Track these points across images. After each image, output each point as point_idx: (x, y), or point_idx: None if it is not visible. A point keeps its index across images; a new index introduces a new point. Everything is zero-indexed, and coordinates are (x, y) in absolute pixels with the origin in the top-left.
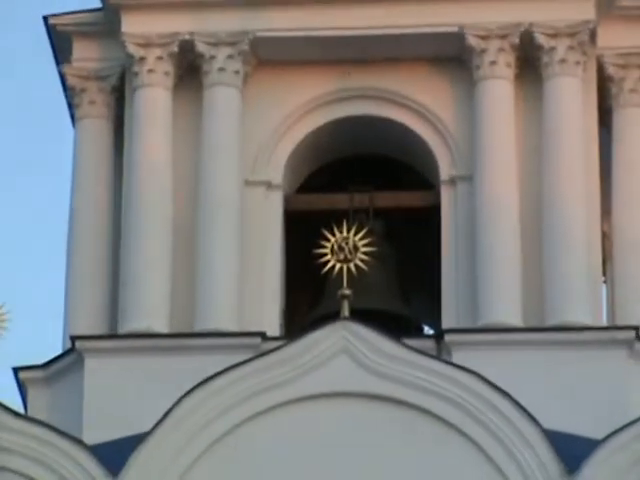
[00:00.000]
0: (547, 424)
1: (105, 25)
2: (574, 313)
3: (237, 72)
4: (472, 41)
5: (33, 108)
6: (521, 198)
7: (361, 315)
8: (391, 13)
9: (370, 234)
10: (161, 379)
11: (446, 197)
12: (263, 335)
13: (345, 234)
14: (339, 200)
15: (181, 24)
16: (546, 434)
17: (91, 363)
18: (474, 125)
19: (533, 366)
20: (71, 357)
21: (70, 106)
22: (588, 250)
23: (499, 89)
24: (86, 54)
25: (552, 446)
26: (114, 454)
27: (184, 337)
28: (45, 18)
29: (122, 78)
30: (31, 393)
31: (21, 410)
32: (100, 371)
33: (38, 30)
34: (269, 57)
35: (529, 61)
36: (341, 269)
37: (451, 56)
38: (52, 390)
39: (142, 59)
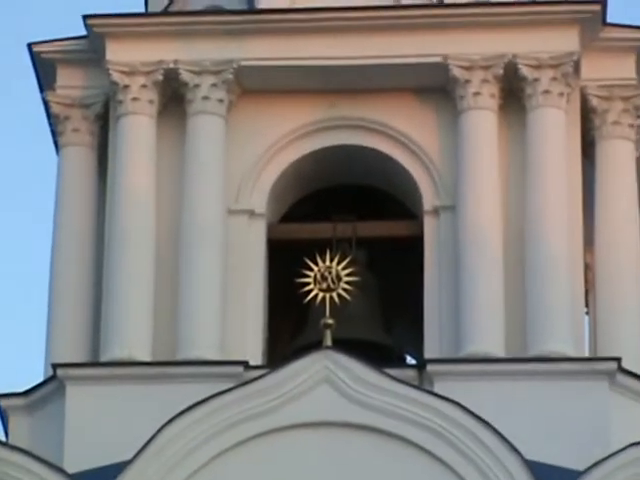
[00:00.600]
0: (529, 455)
1: (89, 53)
2: (556, 344)
3: (221, 101)
4: (456, 72)
5: (17, 134)
6: (504, 229)
7: (343, 344)
8: (375, 43)
9: (353, 263)
10: (143, 407)
11: (429, 227)
12: (245, 364)
13: (328, 263)
14: (322, 229)
15: (165, 52)
16: (527, 465)
17: (72, 391)
18: (457, 155)
19: (515, 396)
20: (53, 385)
21: (54, 133)
22: (571, 281)
23: (483, 120)
24: (70, 82)
25: (533, 477)
26: None
27: (166, 365)
28: (29, 45)
29: (106, 106)
30: (12, 421)
31: (2, 438)
32: (81, 399)
33: (23, 57)
34: (253, 86)
35: (513, 92)
36: (324, 298)
37: (435, 87)
38: (33, 418)
39: (126, 87)
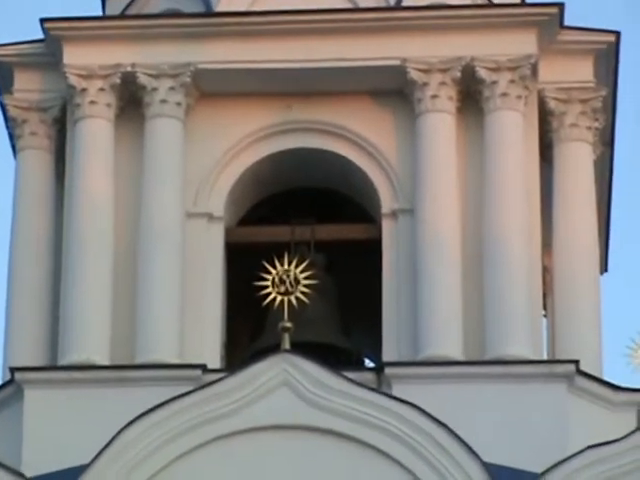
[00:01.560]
0: (487, 457)
1: (47, 56)
2: (514, 346)
3: (179, 104)
4: (414, 75)
5: None
6: (462, 231)
7: (302, 348)
8: (333, 46)
9: (311, 267)
10: (101, 411)
11: (387, 230)
12: (204, 367)
13: (286, 267)
14: (280, 232)
15: (123, 56)
16: (485, 467)
17: (31, 394)
18: (416, 158)
19: (473, 399)
20: (10, 388)
21: (11, 137)
22: (529, 284)
23: (441, 122)
24: (28, 85)
25: (492, 479)
26: None
27: (124, 369)
28: None
29: (64, 109)
30: None
31: None
32: (40, 403)
33: None
34: (211, 89)
35: (471, 95)
36: (282, 301)
37: (393, 89)
38: None
39: (84, 90)
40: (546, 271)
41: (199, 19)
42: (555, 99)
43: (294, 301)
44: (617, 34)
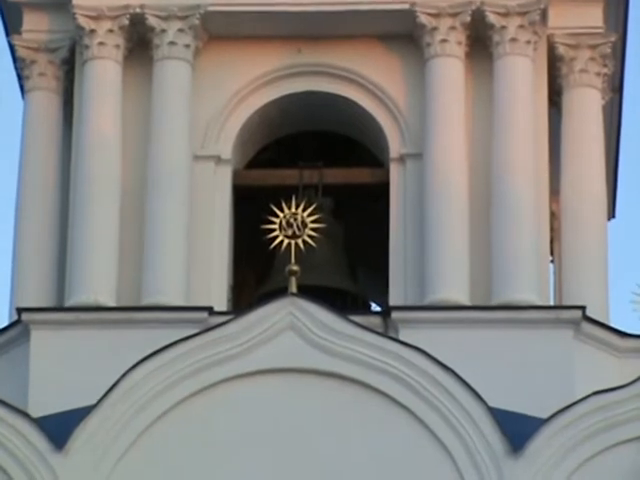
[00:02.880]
0: (492, 402)
1: None
2: (521, 292)
3: (188, 46)
4: (423, 19)
5: None
6: (470, 177)
7: (308, 291)
8: None
9: (319, 210)
10: (108, 352)
11: (395, 175)
12: (210, 310)
13: (294, 210)
14: (288, 176)
15: None
16: (491, 412)
17: (37, 335)
18: (424, 103)
19: (479, 344)
20: (17, 329)
21: (20, 78)
22: (536, 229)
23: (450, 67)
24: (36, 26)
25: (497, 424)
26: (60, 427)
27: (131, 311)
28: None
29: (72, 50)
30: None
31: None
32: (46, 343)
33: None
34: (220, 32)
35: (480, 40)
36: (289, 245)
37: (402, 34)
38: None
39: (92, 32)
40: (554, 217)
41: None
42: (564, 45)
43: (301, 245)
44: None
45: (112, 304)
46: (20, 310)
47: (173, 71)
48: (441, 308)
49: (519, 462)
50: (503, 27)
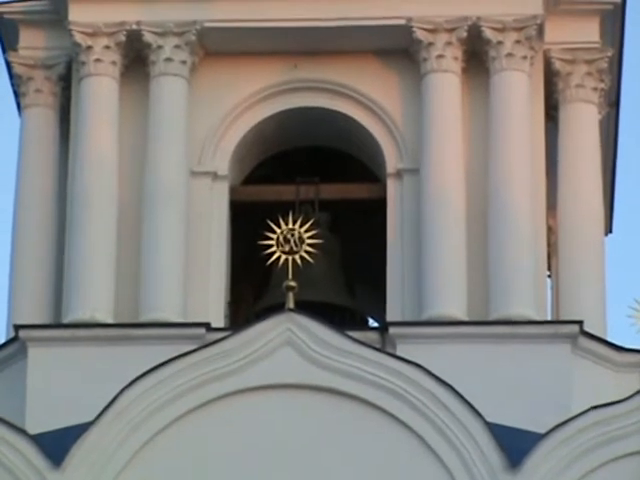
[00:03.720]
0: (490, 417)
1: (52, 14)
2: (518, 307)
3: (184, 62)
4: (420, 34)
5: None
6: (467, 192)
7: (306, 307)
8: (339, 5)
9: (316, 226)
10: (105, 369)
11: (392, 190)
12: (208, 326)
13: (291, 225)
14: (285, 191)
15: (128, 13)
16: (489, 427)
17: (35, 352)
18: (421, 118)
19: (477, 359)
20: (15, 346)
21: (16, 94)
22: (533, 244)
23: (446, 82)
24: (33, 42)
25: (495, 439)
26: (57, 443)
27: (128, 327)
28: None
29: (69, 67)
30: None
31: None
32: (43, 360)
33: None
34: (216, 48)
35: (476, 55)
36: (286, 261)
37: (399, 49)
38: None
39: (89, 48)
40: (551, 232)
41: None
42: (561, 60)
43: (298, 260)
44: None
45: (109, 321)
46: (17, 327)
47: (170, 87)
48: (439, 323)
49: (517, 477)
50: (499, 42)
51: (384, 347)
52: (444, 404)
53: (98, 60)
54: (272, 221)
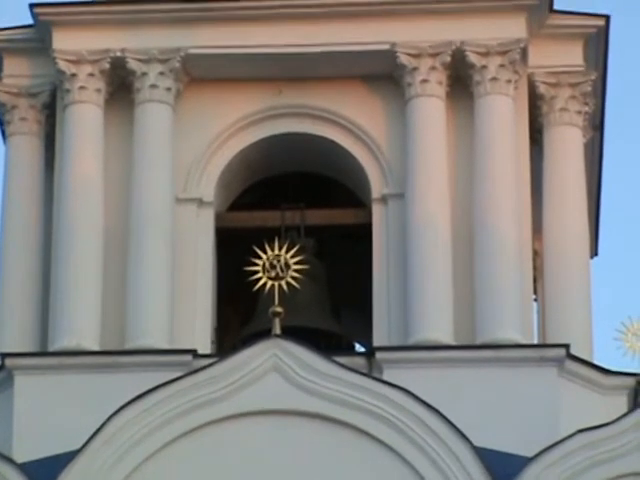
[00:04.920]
0: (478, 441)
1: (36, 41)
2: (505, 331)
3: (169, 89)
4: (404, 59)
5: None
6: (453, 216)
7: (293, 333)
8: (323, 30)
9: (302, 251)
10: (92, 397)
11: (378, 215)
12: (194, 353)
13: (277, 251)
14: (271, 217)
15: (112, 41)
16: (476, 451)
17: (21, 380)
18: (406, 143)
19: (464, 384)
20: (1, 374)
21: (1, 122)
22: (519, 268)
23: (431, 107)
24: (17, 71)
25: (482, 463)
26: (45, 472)
27: (115, 355)
28: None
29: (54, 95)
30: None
31: None
32: (30, 389)
33: None
34: (201, 74)
35: (461, 79)
36: (272, 286)
37: (383, 74)
38: None
39: (73, 76)
40: (536, 255)
41: (189, 4)
42: (545, 83)
43: (285, 286)
44: (607, 18)
45: (96, 348)
46: (3, 355)
47: (154, 114)
48: (425, 348)
49: None
50: (483, 66)
51: (371, 372)
52: (431, 428)
53: (82, 87)
54: (258, 247)
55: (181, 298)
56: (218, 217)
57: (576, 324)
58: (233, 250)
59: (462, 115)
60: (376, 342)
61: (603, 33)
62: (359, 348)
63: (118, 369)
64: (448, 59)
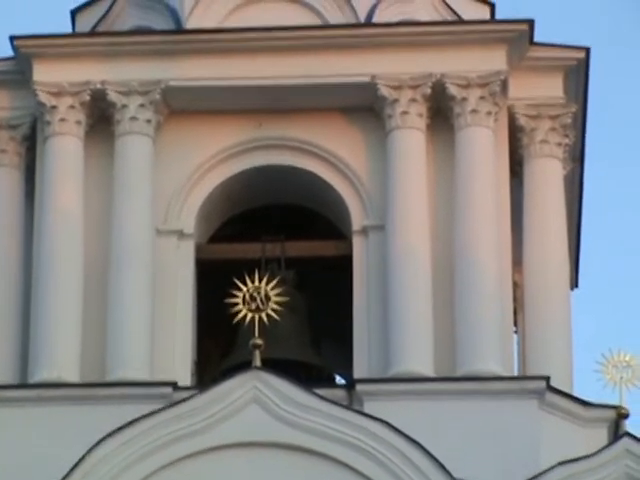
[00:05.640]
0: (458, 474)
1: (16, 74)
2: (485, 363)
3: (149, 121)
4: (384, 91)
5: None
6: (433, 248)
7: (273, 365)
8: (303, 63)
9: (282, 283)
10: (72, 429)
11: (358, 247)
12: (174, 385)
13: (257, 284)
14: (251, 249)
15: (93, 73)
16: None
17: (0, 413)
18: (386, 175)
19: (445, 416)
20: None
21: None
22: (499, 300)
23: (411, 139)
24: None
25: None
26: None
27: (95, 387)
28: None
29: (34, 127)
30: None
31: None
32: (10, 421)
33: None
34: (181, 106)
35: (441, 111)
36: (253, 319)
37: (363, 106)
38: None
39: (53, 108)
40: (517, 287)
41: (169, 36)
42: (525, 115)
43: (265, 318)
44: (587, 50)
45: (76, 380)
46: None
47: (135, 146)
48: (406, 380)
49: None
50: (464, 98)
51: (351, 404)
52: (412, 461)
53: (63, 119)
54: (238, 279)
55: (161, 330)
56: (198, 249)
57: (556, 356)
58: (213, 282)
59: (442, 147)
60: (356, 374)
61: (583, 65)
62: (339, 380)
63: (98, 401)
64: (428, 91)
